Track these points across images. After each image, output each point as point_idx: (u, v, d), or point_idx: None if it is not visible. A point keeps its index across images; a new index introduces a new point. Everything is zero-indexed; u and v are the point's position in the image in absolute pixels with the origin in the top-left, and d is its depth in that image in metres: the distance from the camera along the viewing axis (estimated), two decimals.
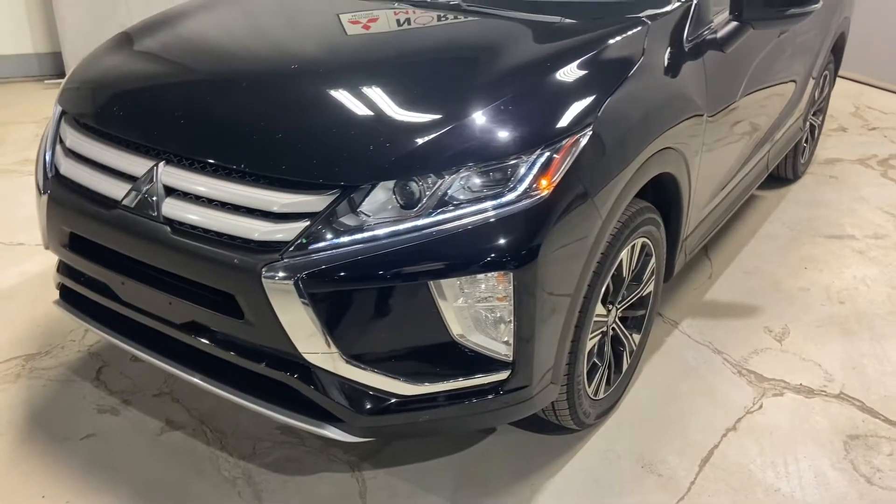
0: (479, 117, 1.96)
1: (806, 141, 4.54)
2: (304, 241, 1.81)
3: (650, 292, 2.65)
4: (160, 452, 2.40)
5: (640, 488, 2.32)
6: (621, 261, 2.33)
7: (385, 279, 1.81)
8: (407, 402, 1.95)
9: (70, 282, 2.33)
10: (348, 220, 1.83)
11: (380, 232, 1.82)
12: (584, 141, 1.98)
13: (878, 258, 3.70)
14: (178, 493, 2.25)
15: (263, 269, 1.81)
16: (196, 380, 2.10)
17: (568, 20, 2.46)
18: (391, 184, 1.85)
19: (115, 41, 2.57)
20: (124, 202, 2.03)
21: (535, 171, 1.90)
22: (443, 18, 2.54)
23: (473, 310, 1.90)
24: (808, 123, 4.41)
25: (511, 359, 1.97)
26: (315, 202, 1.84)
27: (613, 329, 2.51)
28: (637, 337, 2.66)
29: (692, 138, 2.55)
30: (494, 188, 1.88)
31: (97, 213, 2.07)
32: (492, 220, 1.84)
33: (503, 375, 1.98)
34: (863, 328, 3.13)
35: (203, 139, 2.01)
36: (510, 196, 1.87)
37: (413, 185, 1.85)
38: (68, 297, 2.42)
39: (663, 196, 2.58)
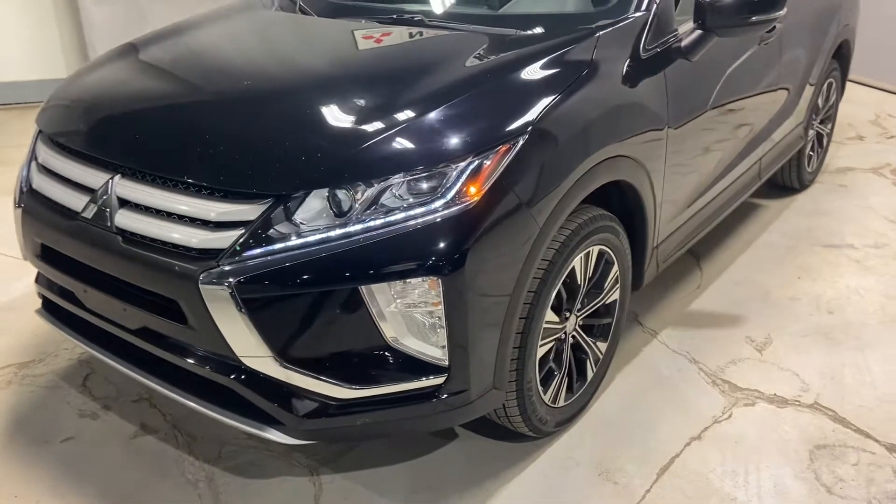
0: (410, 127, 2.02)
1: (813, 149, 4.48)
2: (238, 248, 1.89)
3: (615, 300, 2.66)
4: (131, 455, 2.50)
5: (594, 495, 2.32)
6: (573, 268, 2.35)
7: (317, 284, 1.88)
8: (345, 406, 2.01)
9: (45, 291, 2.45)
10: (282, 228, 1.90)
11: (311, 239, 1.88)
12: (517, 149, 2.02)
13: (876, 268, 3.63)
14: (141, 494, 2.34)
15: (201, 276, 1.90)
16: (154, 385, 2.19)
17: (522, 33, 2.51)
18: (325, 192, 1.92)
19: (89, 67, 2.73)
20: (83, 213, 2.14)
21: (463, 178, 1.94)
22: (398, 34, 2.62)
23: (406, 314, 1.95)
24: (812, 132, 4.35)
25: (447, 363, 2.01)
26: (249, 211, 1.92)
27: (574, 337, 2.52)
28: (603, 345, 2.67)
29: (652, 148, 2.56)
30: (424, 195, 1.93)
31: (61, 224, 2.19)
32: (420, 226, 1.89)
33: (439, 380, 2.02)
34: (849, 338, 3.08)
35: (152, 153, 2.12)
36: (438, 203, 1.92)
37: (344, 194, 1.92)
38: (48, 307, 2.54)
39: (626, 204, 2.60)
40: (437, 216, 1.91)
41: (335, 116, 2.13)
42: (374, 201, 1.91)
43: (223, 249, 1.92)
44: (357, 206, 1.90)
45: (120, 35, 6.08)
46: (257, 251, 1.89)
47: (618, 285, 2.64)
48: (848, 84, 6.37)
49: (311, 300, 1.90)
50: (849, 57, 4.59)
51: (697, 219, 3.11)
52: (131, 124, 2.26)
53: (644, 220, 2.66)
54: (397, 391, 2.01)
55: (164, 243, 1.99)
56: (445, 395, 2.04)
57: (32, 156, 2.44)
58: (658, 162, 2.62)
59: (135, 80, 2.53)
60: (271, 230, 1.90)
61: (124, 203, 2.09)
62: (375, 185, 1.92)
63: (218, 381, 2.04)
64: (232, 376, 2.01)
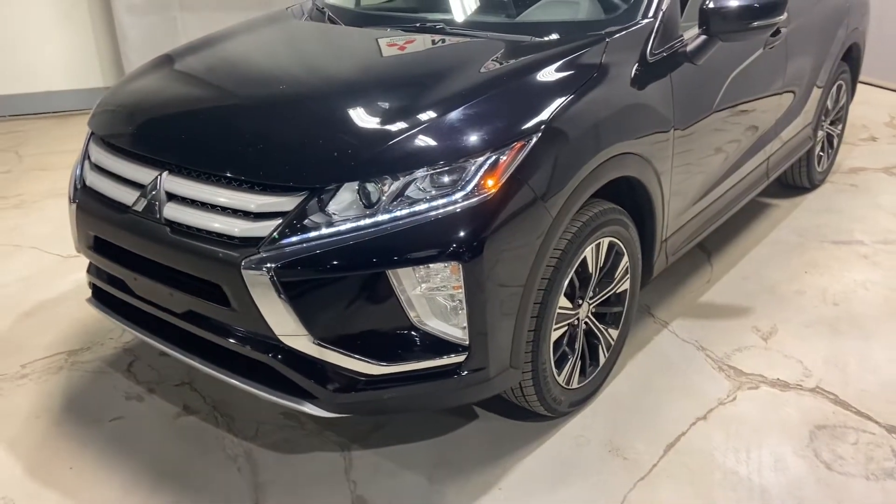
0: (432, 125, 2.20)
1: (823, 150, 4.61)
2: (277, 236, 2.08)
3: (626, 290, 2.82)
4: (174, 433, 2.70)
5: (603, 469, 2.48)
6: (585, 258, 2.52)
7: (348, 269, 2.07)
8: (374, 381, 2.19)
9: (97, 280, 2.66)
10: (317, 218, 2.09)
11: (342, 227, 2.07)
12: (531, 146, 2.20)
13: (883, 262, 3.76)
14: (185, 468, 2.54)
15: (243, 262, 2.09)
16: (198, 364, 2.39)
17: (536, 39, 2.69)
18: (355, 185, 2.11)
19: (133, 75, 2.96)
20: (134, 207, 2.35)
21: (481, 172, 2.13)
22: (421, 41, 2.81)
23: (429, 297, 2.13)
24: (822, 133, 4.48)
25: (467, 342, 2.18)
26: (286, 202, 2.11)
27: (587, 323, 2.69)
28: (614, 332, 2.83)
29: (659, 147, 2.73)
30: (446, 188, 2.11)
31: (113, 218, 2.40)
32: (442, 216, 2.08)
33: (460, 358, 2.20)
34: (853, 328, 3.21)
35: (197, 151, 2.32)
36: (458, 195, 2.10)
37: (373, 186, 2.10)
38: (98, 296, 2.75)
39: (635, 199, 2.77)
40: (458, 207, 2.09)
41: (363, 117, 2.32)
42: (400, 193, 2.10)
43: (263, 238, 2.11)
44: (384, 197, 2.09)
45: (153, 46, 6.36)
46: (294, 239, 2.08)
47: (628, 275, 2.80)
48: (863, 86, 6.52)
49: (343, 283, 2.09)
50: (859, 60, 4.72)
51: (705, 215, 3.27)
52: (177, 125, 2.48)
53: (653, 215, 2.83)
54: (421, 368, 2.19)
55: (209, 233, 2.19)
56: (466, 373, 2.22)
57: (85, 156, 2.66)
58: (665, 160, 2.78)
59: (177, 86, 2.75)
60: (307, 220, 2.09)
61: (172, 197, 2.29)
62: (401, 178, 2.11)
63: (258, 359, 2.23)
64: (270, 354, 2.20)
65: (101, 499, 2.42)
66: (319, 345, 2.12)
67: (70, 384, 2.98)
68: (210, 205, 2.22)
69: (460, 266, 2.07)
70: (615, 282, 2.74)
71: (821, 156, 4.59)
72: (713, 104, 3.02)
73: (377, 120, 2.29)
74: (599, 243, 2.59)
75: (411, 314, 2.13)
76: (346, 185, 2.11)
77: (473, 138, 2.18)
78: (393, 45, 2.86)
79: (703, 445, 2.57)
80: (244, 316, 2.17)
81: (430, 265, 2.07)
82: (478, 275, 2.10)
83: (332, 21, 3.22)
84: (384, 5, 3.65)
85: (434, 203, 2.09)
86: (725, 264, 3.76)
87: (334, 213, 2.10)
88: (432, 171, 2.12)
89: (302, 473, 2.50)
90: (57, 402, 2.87)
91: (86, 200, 2.54)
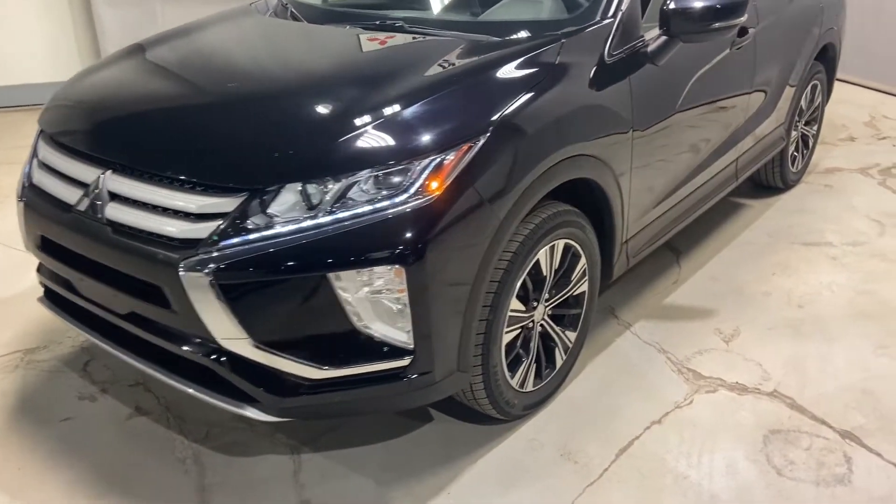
0: (377, 126, 2.18)
1: (798, 150, 4.59)
2: (216, 238, 2.06)
3: (584, 292, 2.80)
4: (126, 434, 2.67)
5: (554, 474, 2.46)
6: (538, 260, 2.50)
7: (288, 272, 2.04)
8: (318, 385, 2.17)
9: (47, 280, 2.63)
10: (257, 220, 2.07)
11: (283, 229, 2.05)
12: (478, 147, 2.17)
13: (851, 264, 3.74)
14: (133, 469, 2.51)
15: (181, 263, 2.06)
16: (144, 367, 2.36)
17: (492, 38, 2.66)
18: (298, 186, 2.08)
19: (85, 71, 2.93)
20: (77, 206, 2.32)
21: (426, 174, 2.10)
22: (377, 39, 2.78)
23: (373, 300, 2.11)
24: (796, 133, 4.46)
25: (412, 346, 2.16)
26: (227, 203, 2.08)
27: (543, 326, 2.67)
28: (572, 334, 2.81)
29: (617, 149, 2.70)
30: (389, 190, 2.08)
31: (58, 217, 2.37)
32: (384, 218, 2.05)
33: (405, 362, 2.17)
34: (815, 331, 3.20)
35: (140, 150, 2.29)
36: (402, 197, 2.07)
37: (315, 188, 2.08)
38: (50, 296, 2.73)
39: (594, 201, 2.75)
40: (401, 209, 2.06)
41: (308, 116, 2.30)
42: (343, 195, 2.07)
43: (203, 239, 2.08)
44: (326, 199, 2.06)
45: (131, 37, 6.31)
46: (233, 241, 2.05)
47: (586, 278, 2.78)
48: (845, 85, 6.49)
49: (284, 287, 2.06)
50: (835, 59, 4.70)
51: (669, 216, 3.25)
52: (121, 124, 2.45)
53: (612, 216, 2.80)
54: (366, 372, 2.17)
55: (150, 233, 2.16)
56: (411, 376, 2.19)
57: (34, 153, 2.63)
58: (624, 162, 2.76)
59: (125, 83, 2.72)
60: (247, 221, 2.06)
61: (114, 196, 2.26)
62: (343, 179, 2.08)
63: (199, 363, 2.20)
64: (212, 357, 2.18)
65: (45, 498, 2.40)
66: (260, 348, 2.10)
67: (24, 383, 2.95)
68: (152, 205, 2.19)
69: (403, 269, 2.05)
70: (572, 284, 2.72)
71: (795, 156, 4.57)
72: (675, 105, 2.99)
73: (322, 120, 2.27)
74: (554, 245, 2.56)
75: (354, 318, 2.11)
76: (287, 186, 2.08)
77: (418, 139, 2.15)
78: (348, 42, 2.83)
79: (655, 450, 2.55)
80: (184, 318, 2.14)
81: (373, 268, 2.05)
82: (421, 278, 2.07)
83: (294, 18, 3.19)
84: (349, 2, 3.62)
85: (377, 205, 2.06)
86: (694, 265, 3.74)
87: (276, 215, 2.07)
88: (376, 173, 2.09)
89: (250, 476, 2.48)
90: (10, 401, 2.85)
91: (33, 199, 2.51)
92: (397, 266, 2.04)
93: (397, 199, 2.07)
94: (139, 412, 2.77)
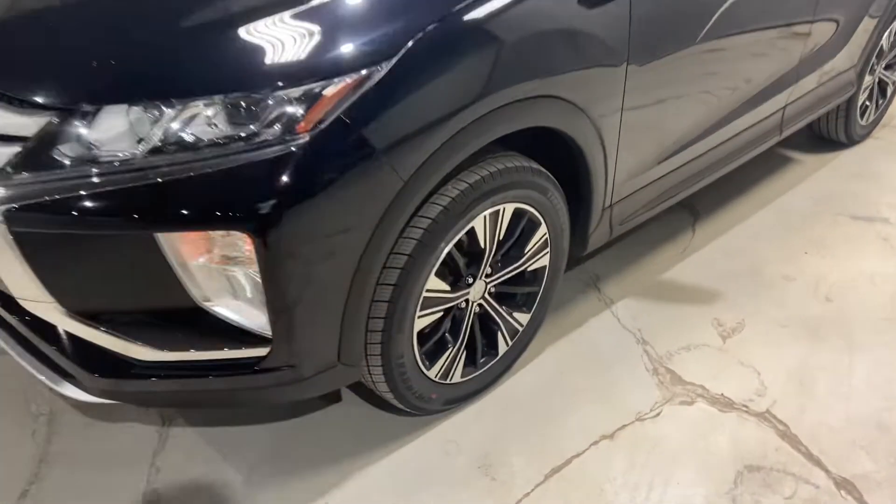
0: (236, 39, 1.62)
1: (872, 99, 3.83)
2: (11, 169, 1.58)
3: (544, 266, 2.26)
4: None
5: (463, 490, 2.01)
6: (473, 229, 1.97)
7: (102, 225, 1.56)
8: (151, 368, 1.73)
9: None
10: (67, 150, 1.57)
11: (99, 167, 1.55)
12: (377, 77, 1.61)
13: None
14: None
15: None
16: None
17: None
18: (122, 109, 1.57)
19: None
20: None
21: (294, 109, 1.56)
22: None
23: (219, 272, 1.63)
24: (871, 77, 3.70)
25: (269, 333, 1.69)
26: (27, 124, 1.59)
27: (482, 306, 2.16)
28: (524, 316, 2.30)
29: (600, 89, 2.10)
30: (242, 127, 1.56)
31: None
32: (231, 166, 1.54)
33: (262, 351, 1.71)
34: (838, 335, 2.60)
35: None
36: (257, 139, 1.55)
37: (145, 113, 1.56)
38: None
39: (566, 153, 2.17)
40: (254, 155, 1.55)
41: (142, 21, 1.74)
42: (181, 128, 1.56)
43: None
44: (155, 132, 1.55)
45: None
46: (32, 175, 1.57)
47: (547, 250, 2.24)
48: None
49: (100, 243, 1.59)
50: None
51: (676, 177, 2.63)
52: None
53: (588, 176, 2.23)
54: (214, 359, 1.72)
55: None
56: (269, 369, 1.73)
57: None
58: (609, 107, 2.15)
59: None
60: (54, 150, 1.57)
61: None
62: (181, 106, 1.55)
63: (8, 322, 1.78)
64: (21, 319, 1.75)
65: None
66: (72, 317, 1.66)
67: None
68: None
69: (251, 237, 1.55)
70: (526, 257, 2.19)
71: (867, 106, 3.81)
72: (697, 33, 2.33)
73: (159, 27, 1.71)
74: (499, 211, 2.02)
75: (193, 292, 1.64)
76: (107, 108, 1.57)
77: (290, 60, 1.60)
78: None
79: (596, 474, 2.06)
80: None
81: (211, 232, 1.56)
82: (279, 250, 1.57)
83: None
84: None
85: (223, 148, 1.55)
86: (711, 231, 3.13)
87: (93, 147, 1.57)
88: (228, 102, 1.56)
89: (102, 449, 2.10)
90: None
91: None
92: (244, 232, 1.54)
93: (251, 142, 1.55)
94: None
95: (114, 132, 1.58)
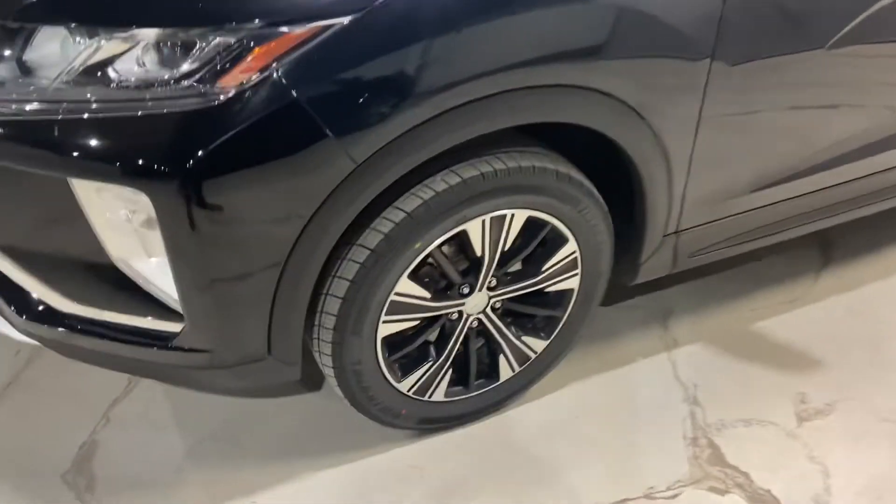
0: None
1: None
2: None
3: (571, 290, 1.90)
4: None
5: None
6: (465, 233, 1.65)
7: (12, 156, 1.42)
8: (66, 319, 1.59)
9: None
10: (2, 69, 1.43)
11: (16, 94, 1.40)
12: (333, 34, 1.33)
13: None
14: None
15: None
16: None
17: None
18: (57, 32, 1.40)
19: None
20: None
21: (224, 59, 1.32)
22: None
23: (138, 232, 1.45)
24: None
25: (181, 310, 1.49)
26: None
27: (481, 322, 1.84)
28: (539, 343, 1.95)
29: (670, 89, 1.68)
30: (167, 71, 1.35)
31: None
32: (141, 113, 1.33)
33: (175, 327, 1.52)
34: None
35: None
36: (178, 86, 1.33)
37: (70, 39, 1.38)
38: None
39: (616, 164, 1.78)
40: (170, 105, 1.33)
41: None
42: (107, 62, 1.37)
43: None
44: (76, 63, 1.37)
45: None
46: None
47: (577, 271, 1.87)
48: None
49: (13, 177, 1.45)
50: None
51: (782, 211, 2.11)
52: None
53: (642, 194, 1.82)
54: (124, 323, 1.55)
55: None
56: (184, 349, 1.54)
57: None
58: (679, 112, 1.72)
59: None
60: None
61: None
62: (107, 37, 1.36)
63: None
64: None
65: None
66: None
67: None
68: None
69: (152, 197, 1.35)
70: (545, 275, 1.83)
71: None
72: (830, 35, 1.80)
73: None
74: (505, 216, 1.68)
75: (107, 247, 1.47)
76: (44, 28, 1.40)
77: (240, 2, 1.36)
78: None
79: None
80: None
81: (112, 185, 1.37)
82: (180, 218, 1.36)
83: None
84: None
85: (140, 92, 1.34)
86: (839, 282, 2.55)
87: (31, 70, 1.42)
88: (160, 39, 1.35)
89: (71, 387, 2.04)
90: None
91: None
92: (144, 191, 1.34)
93: (169, 88, 1.33)
94: None
95: (48, 59, 1.42)
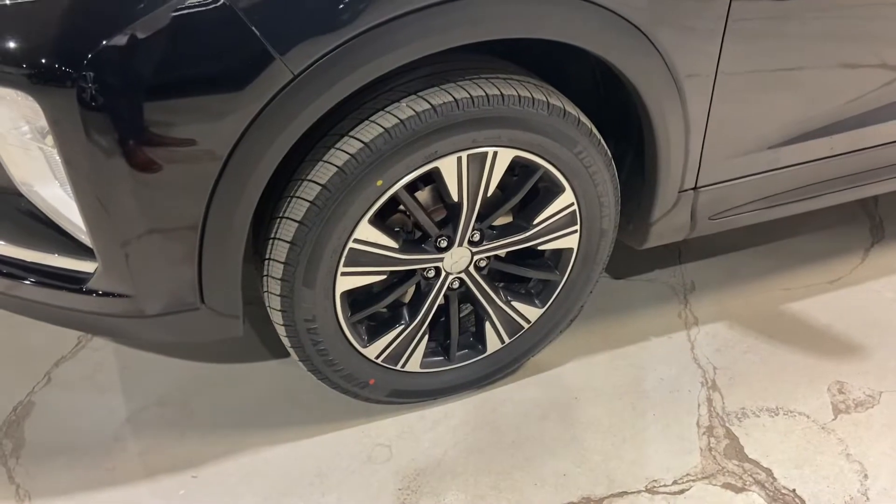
0: None
1: None
2: None
3: (570, 248, 1.65)
4: None
5: None
6: (437, 170, 1.41)
7: None
8: None
9: None
10: None
11: None
12: None
13: None
14: None
15: None
16: None
17: None
18: None
19: None
20: None
21: None
22: None
23: (36, 151, 1.25)
24: None
25: (92, 247, 1.29)
26: None
27: (463, 281, 1.60)
28: (532, 311, 1.70)
29: (685, 14, 1.42)
30: None
31: None
32: None
33: (88, 266, 1.31)
34: None
35: None
36: None
37: None
38: None
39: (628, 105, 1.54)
40: None
41: None
42: None
43: None
44: None
45: None
46: None
47: (576, 227, 1.62)
48: None
49: None
50: None
51: (821, 171, 1.83)
52: None
53: (653, 136, 1.56)
54: (33, 261, 1.35)
55: None
56: (99, 293, 1.33)
57: None
58: (695, 43, 1.46)
59: None
60: None
61: None
62: None
63: None
64: None
65: None
66: None
67: None
68: None
69: (43, 104, 1.14)
70: (537, 230, 1.59)
71: None
72: None
73: None
74: (486, 154, 1.44)
75: (11, 170, 1.28)
76: None
77: None
78: None
79: None
80: None
81: (18, 92, 1.16)
82: (76, 130, 1.15)
83: None
84: None
85: None
86: (890, 262, 2.25)
87: None
88: None
89: (25, 336, 1.85)
90: None
91: None
92: (33, 95, 1.13)
93: None
94: None
95: None
